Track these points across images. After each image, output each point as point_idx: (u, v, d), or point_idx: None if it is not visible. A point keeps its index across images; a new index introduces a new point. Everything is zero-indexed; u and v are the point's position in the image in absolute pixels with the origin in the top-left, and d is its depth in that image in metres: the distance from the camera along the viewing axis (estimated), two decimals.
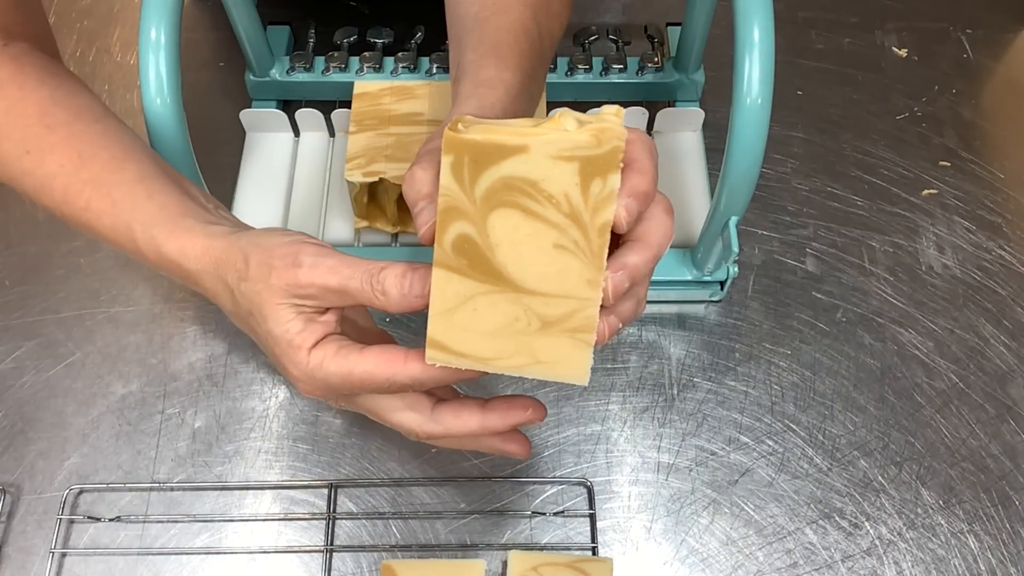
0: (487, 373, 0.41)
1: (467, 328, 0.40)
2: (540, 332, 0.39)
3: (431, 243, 0.39)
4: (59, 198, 0.47)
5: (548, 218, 0.37)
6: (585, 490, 0.60)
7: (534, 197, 0.37)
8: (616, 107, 0.37)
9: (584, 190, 0.36)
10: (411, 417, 0.44)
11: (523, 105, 0.50)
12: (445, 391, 0.47)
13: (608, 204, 0.37)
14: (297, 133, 0.74)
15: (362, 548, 0.58)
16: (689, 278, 0.65)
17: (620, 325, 0.40)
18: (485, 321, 0.39)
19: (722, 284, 0.65)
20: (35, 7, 0.55)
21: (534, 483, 0.61)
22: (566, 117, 0.37)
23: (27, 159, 0.47)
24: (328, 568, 0.58)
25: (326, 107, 0.71)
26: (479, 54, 0.50)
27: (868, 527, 0.59)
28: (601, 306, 0.39)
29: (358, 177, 0.64)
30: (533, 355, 0.40)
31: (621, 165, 0.36)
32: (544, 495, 0.60)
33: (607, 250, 0.38)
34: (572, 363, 0.40)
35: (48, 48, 0.55)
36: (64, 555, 0.58)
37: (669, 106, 0.73)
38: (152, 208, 0.45)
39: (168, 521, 0.60)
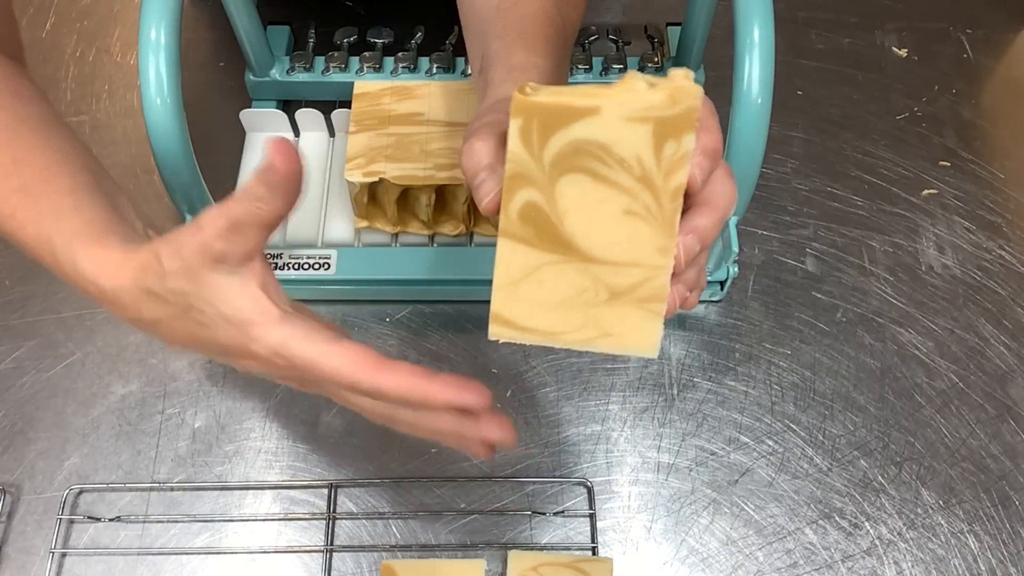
0: (554, 348, 0.39)
1: (533, 301, 0.38)
2: (608, 303, 0.38)
3: (495, 214, 0.38)
4: None
5: (619, 183, 0.36)
6: (585, 490, 0.60)
7: (605, 161, 0.36)
8: (685, 69, 0.36)
9: (657, 152, 0.35)
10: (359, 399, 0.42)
11: None
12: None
13: (682, 166, 0.35)
14: (297, 133, 0.74)
15: (362, 548, 0.58)
16: None
17: (687, 293, 0.40)
18: (552, 293, 0.38)
19: (722, 284, 0.65)
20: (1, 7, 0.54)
21: (534, 483, 0.61)
22: (635, 79, 0.35)
23: None
24: (328, 568, 0.58)
25: (326, 107, 0.71)
26: (506, 42, 0.49)
27: (868, 527, 0.59)
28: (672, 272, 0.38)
29: (358, 177, 0.64)
30: (601, 327, 0.39)
31: (697, 125, 0.35)
32: (544, 495, 0.60)
33: (680, 215, 0.36)
34: (642, 334, 0.39)
35: (12, 49, 0.54)
36: (64, 555, 0.58)
37: None
38: (76, 222, 0.43)
39: (168, 521, 0.60)
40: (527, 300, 0.38)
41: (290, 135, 0.74)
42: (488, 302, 0.39)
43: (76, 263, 0.42)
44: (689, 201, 0.39)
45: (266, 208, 0.38)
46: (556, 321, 0.39)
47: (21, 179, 0.45)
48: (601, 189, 0.36)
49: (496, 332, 0.39)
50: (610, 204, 0.36)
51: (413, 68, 0.72)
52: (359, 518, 0.60)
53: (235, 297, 0.40)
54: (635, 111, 0.35)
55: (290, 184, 0.38)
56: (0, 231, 0.46)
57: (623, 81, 0.36)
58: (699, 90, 0.35)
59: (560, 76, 0.50)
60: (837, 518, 0.59)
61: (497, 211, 0.38)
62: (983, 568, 0.58)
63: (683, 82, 0.35)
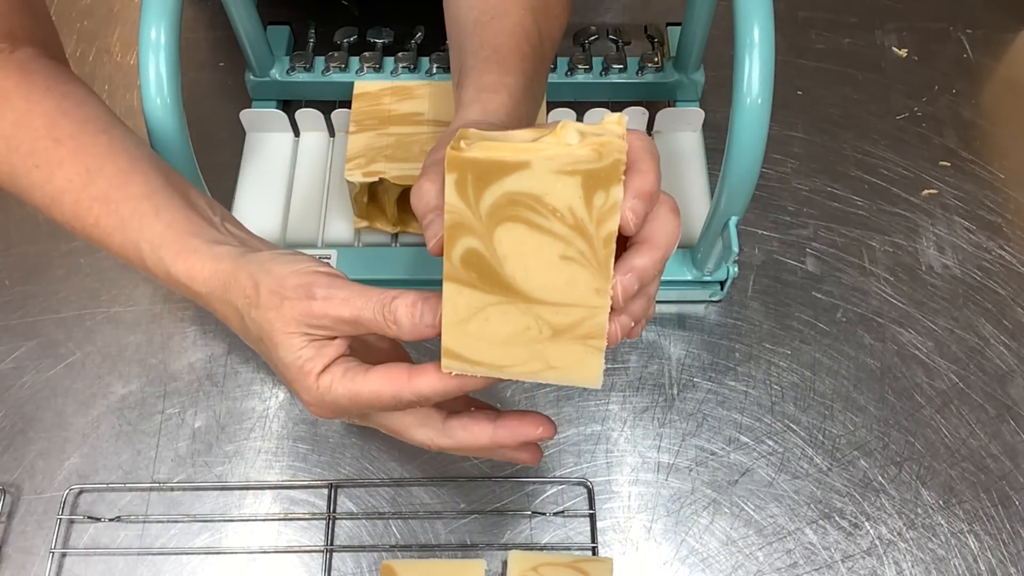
0: (502, 380, 0.41)
1: (480, 338, 0.40)
2: (552, 339, 0.40)
3: (440, 255, 0.39)
4: (69, 214, 0.47)
5: (553, 231, 0.37)
6: (585, 490, 0.60)
7: (538, 211, 0.37)
8: (619, 115, 0.37)
9: (588, 203, 0.37)
10: (423, 432, 0.45)
11: (526, 108, 0.50)
12: (457, 401, 0.47)
13: (612, 215, 0.37)
14: (297, 133, 0.74)
15: (362, 548, 0.58)
16: (689, 278, 0.65)
17: (632, 324, 0.41)
18: (497, 331, 0.40)
19: (722, 284, 0.65)
20: (41, 10, 0.55)
21: (534, 483, 0.61)
22: (567, 130, 0.37)
23: (36, 173, 0.47)
24: (328, 568, 0.58)
25: (326, 107, 0.72)
26: (480, 59, 0.50)
27: (868, 527, 0.59)
28: (612, 308, 0.39)
29: (358, 177, 0.64)
30: (546, 361, 0.40)
31: (623, 178, 0.36)
32: (544, 495, 0.60)
33: (613, 259, 0.38)
34: (584, 368, 0.40)
35: (55, 51, 0.55)
36: (64, 555, 0.58)
37: (669, 106, 0.73)
38: (159, 226, 0.45)
39: (168, 521, 0.60)
40: (475, 337, 0.40)
41: (290, 135, 0.74)
42: None
43: (168, 269, 0.44)
44: (631, 239, 0.40)
45: (394, 333, 0.41)
46: (504, 355, 0.41)
47: (98, 188, 0.46)
48: (537, 236, 0.38)
49: (448, 365, 0.41)
50: (546, 250, 0.38)
51: (413, 68, 0.72)
52: (359, 518, 0.60)
53: (286, 353, 0.42)
54: (564, 165, 0.36)
55: (426, 336, 0.41)
56: (88, 239, 0.48)
57: (555, 131, 0.37)
58: (624, 144, 0.36)
59: (534, 92, 0.51)
60: (837, 518, 0.59)
61: (442, 253, 0.39)
62: (983, 568, 0.58)
63: (612, 132, 0.36)
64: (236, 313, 0.44)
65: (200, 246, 0.44)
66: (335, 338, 0.43)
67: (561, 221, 0.37)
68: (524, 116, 0.49)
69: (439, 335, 0.40)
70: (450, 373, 0.41)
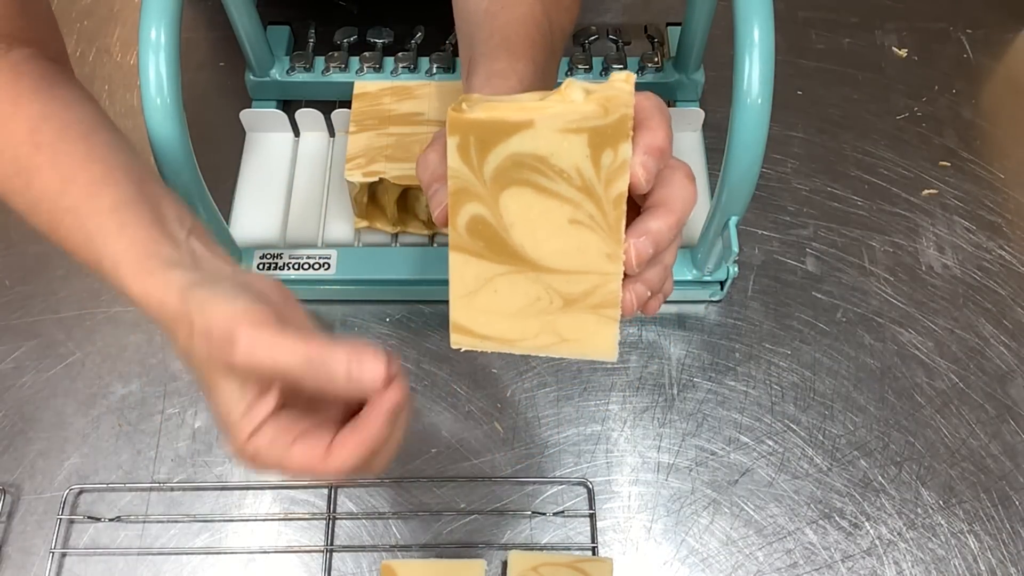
0: (513, 354, 0.40)
1: (489, 310, 0.39)
2: (563, 310, 0.38)
3: (445, 225, 0.38)
4: (45, 222, 0.47)
5: (561, 193, 0.36)
6: (585, 490, 0.60)
7: (545, 173, 0.36)
8: (627, 72, 0.36)
9: (595, 162, 0.35)
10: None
11: None
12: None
13: (621, 174, 0.35)
14: (297, 133, 0.74)
15: (362, 548, 0.58)
16: (689, 278, 0.65)
17: (648, 295, 0.39)
18: (507, 302, 0.39)
19: (722, 284, 0.65)
20: (40, 10, 0.54)
21: (534, 483, 0.61)
22: (572, 88, 0.35)
23: (16, 180, 0.47)
24: (328, 568, 0.58)
25: (326, 107, 0.71)
26: (490, 47, 0.49)
27: (868, 527, 0.59)
28: (626, 275, 0.38)
29: (358, 177, 0.64)
30: (558, 333, 0.39)
31: (631, 133, 0.35)
32: (544, 495, 0.60)
33: (624, 221, 0.36)
34: (599, 339, 0.39)
35: (55, 51, 0.54)
36: (64, 555, 0.58)
37: (669, 106, 0.73)
38: (121, 244, 0.43)
39: (168, 521, 0.60)
40: (484, 309, 0.39)
41: (290, 135, 0.74)
42: None
43: (126, 289, 0.43)
44: (645, 203, 0.39)
45: (327, 388, 0.38)
46: (514, 328, 0.39)
47: (71, 199, 0.45)
48: (544, 200, 0.36)
49: (457, 340, 0.40)
50: (554, 215, 0.37)
51: (413, 68, 0.72)
52: (359, 518, 0.60)
53: (218, 403, 0.40)
54: (569, 123, 0.35)
55: (363, 394, 0.38)
56: (63, 249, 0.47)
57: (560, 90, 0.36)
58: (630, 98, 0.34)
59: (544, 82, 0.50)
60: (837, 518, 0.59)
61: (447, 223, 0.38)
62: (983, 568, 0.58)
63: (617, 89, 0.35)
64: (177, 344, 0.42)
65: (156, 269, 0.42)
66: (270, 388, 0.40)
67: (568, 183, 0.36)
68: None
69: (376, 390, 0.38)
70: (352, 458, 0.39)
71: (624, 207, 0.36)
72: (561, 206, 0.36)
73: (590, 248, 0.37)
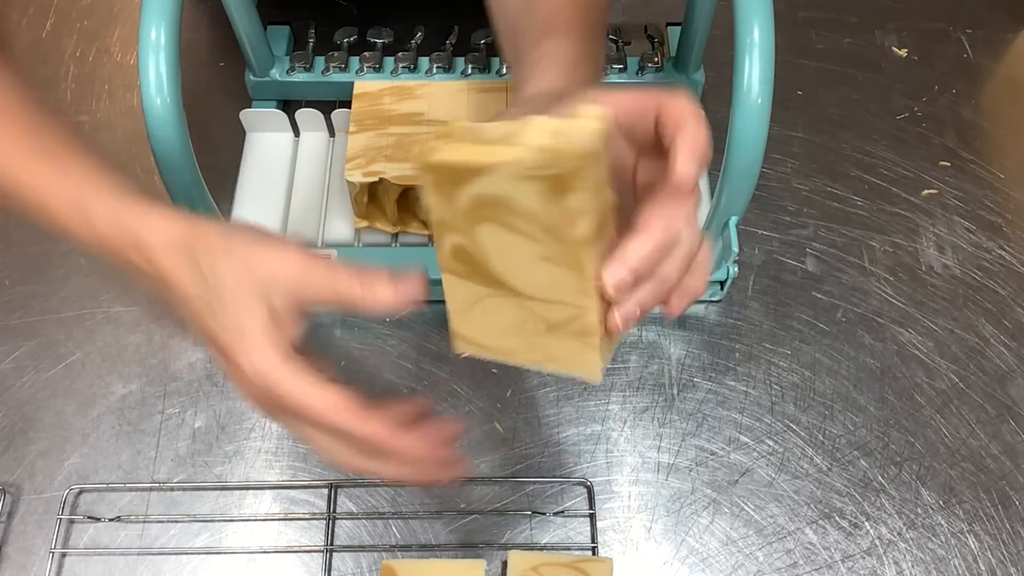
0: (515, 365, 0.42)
1: (483, 326, 0.40)
2: (548, 333, 0.39)
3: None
4: (5, 175, 0.45)
5: (527, 232, 0.36)
6: (585, 490, 0.60)
7: (510, 213, 0.36)
8: (596, 109, 0.35)
9: (555, 206, 0.35)
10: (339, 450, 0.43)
11: (584, 72, 0.48)
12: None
13: (581, 218, 0.35)
14: (297, 133, 0.74)
15: (362, 548, 0.58)
16: None
17: (637, 312, 0.38)
18: (496, 321, 0.40)
19: (722, 284, 0.65)
20: None
21: (534, 483, 0.61)
22: (530, 130, 0.34)
23: None
24: (328, 568, 0.58)
25: (326, 107, 0.71)
26: (533, 33, 0.49)
27: (868, 527, 0.59)
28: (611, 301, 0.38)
29: (358, 177, 0.64)
30: (546, 353, 0.40)
31: (585, 183, 0.34)
32: (544, 495, 0.60)
33: (591, 260, 0.36)
34: (583, 363, 0.39)
35: None
36: (64, 555, 0.58)
37: None
38: (114, 182, 0.43)
39: (168, 521, 0.60)
40: (478, 324, 0.40)
41: (290, 135, 0.74)
42: None
43: (117, 217, 0.42)
44: (634, 219, 0.38)
45: (367, 300, 0.41)
46: (507, 343, 0.41)
47: (43, 146, 0.44)
48: (514, 237, 0.36)
49: (461, 347, 0.42)
50: (526, 250, 0.37)
51: (413, 68, 0.72)
52: (359, 518, 0.60)
53: (249, 318, 0.40)
54: (523, 171, 0.34)
55: (390, 309, 0.41)
56: (19, 207, 0.45)
57: (525, 128, 0.35)
58: (586, 148, 0.33)
59: (591, 54, 0.50)
60: (837, 518, 0.59)
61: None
62: (983, 568, 0.58)
63: (579, 128, 0.34)
64: (193, 268, 0.41)
65: (158, 205, 0.43)
66: (293, 319, 0.41)
67: (533, 223, 0.35)
68: (583, 81, 0.48)
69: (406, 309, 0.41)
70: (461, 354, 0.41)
71: (591, 247, 0.36)
72: (530, 243, 0.36)
73: (563, 283, 0.37)
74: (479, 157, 0.35)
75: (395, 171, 0.64)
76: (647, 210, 0.38)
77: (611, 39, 0.76)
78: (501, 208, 0.36)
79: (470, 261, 0.38)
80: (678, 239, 0.38)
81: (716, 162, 0.68)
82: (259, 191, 0.71)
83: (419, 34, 0.75)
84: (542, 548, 0.58)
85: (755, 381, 0.64)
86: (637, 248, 0.37)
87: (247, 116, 0.72)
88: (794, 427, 0.63)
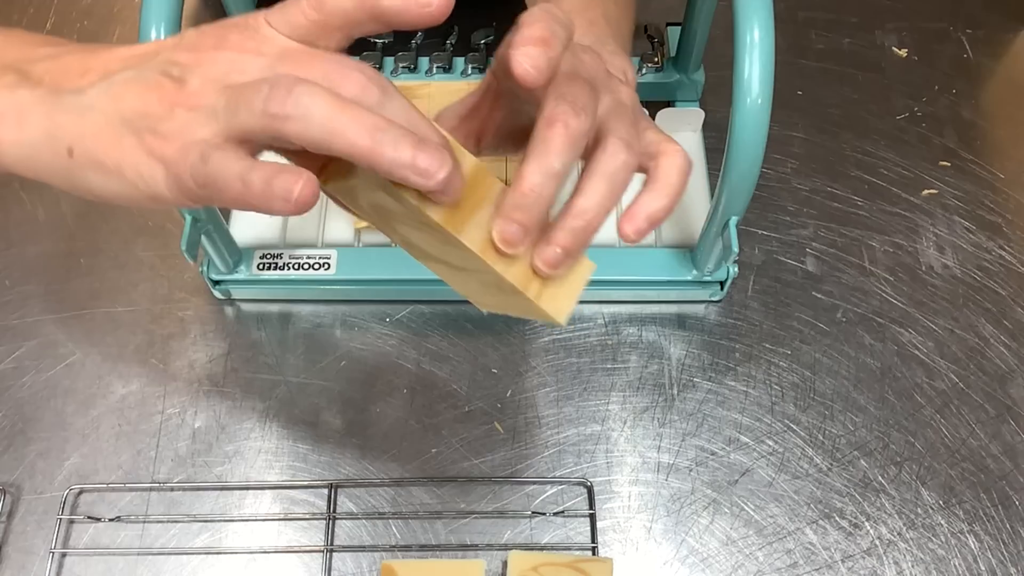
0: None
1: (473, 291, 0.43)
2: (501, 292, 0.40)
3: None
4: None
5: (416, 225, 0.38)
6: (585, 490, 0.60)
7: (392, 214, 0.39)
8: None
9: (404, 203, 0.37)
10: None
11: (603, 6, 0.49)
12: None
13: (426, 208, 0.36)
14: None
15: (362, 548, 0.58)
16: (689, 278, 0.65)
17: (558, 250, 0.37)
18: (474, 287, 0.42)
19: (722, 284, 0.65)
20: None
21: (534, 483, 0.61)
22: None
23: None
24: (328, 568, 0.58)
25: None
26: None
27: (868, 527, 0.59)
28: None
29: None
30: (516, 307, 0.41)
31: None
32: (544, 495, 0.60)
33: (471, 230, 0.36)
34: (539, 312, 0.39)
35: None
36: (64, 555, 0.58)
37: (669, 106, 0.73)
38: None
39: (168, 521, 0.60)
40: (472, 291, 0.44)
41: None
42: None
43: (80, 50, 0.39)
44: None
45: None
46: (496, 302, 0.42)
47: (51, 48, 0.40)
48: (413, 230, 0.39)
49: (480, 307, 0.45)
50: (429, 237, 0.39)
51: (413, 68, 0.72)
52: (359, 518, 0.60)
53: (238, 59, 0.35)
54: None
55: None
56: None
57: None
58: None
59: (620, 32, 0.52)
60: (837, 518, 0.59)
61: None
62: (983, 568, 0.58)
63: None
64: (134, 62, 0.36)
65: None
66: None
67: (411, 219, 0.37)
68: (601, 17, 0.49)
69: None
70: None
71: (459, 226, 0.36)
72: (424, 231, 0.38)
73: (467, 255, 0.37)
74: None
75: None
76: (527, 151, 0.36)
77: None
78: (385, 210, 0.39)
79: (418, 250, 0.41)
80: (566, 170, 0.36)
81: (716, 162, 0.68)
82: None
83: (419, 34, 0.75)
84: (542, 548, 0.58)
85: (755, 381, 0.64)
86: (513, 198, 0.36)
87: None
88: (794, 427, 0.63)
